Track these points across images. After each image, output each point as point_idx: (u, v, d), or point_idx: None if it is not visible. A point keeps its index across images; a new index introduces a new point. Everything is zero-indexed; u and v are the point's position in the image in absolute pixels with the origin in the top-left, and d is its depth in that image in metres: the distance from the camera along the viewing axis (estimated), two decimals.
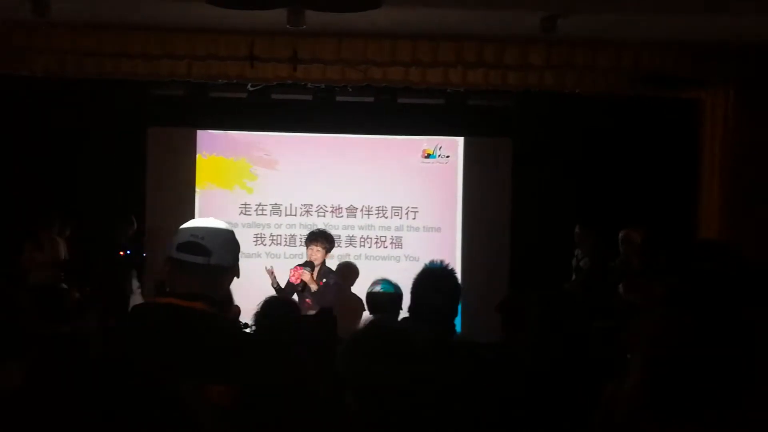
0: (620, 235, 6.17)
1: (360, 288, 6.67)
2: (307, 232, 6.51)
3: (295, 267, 5.87)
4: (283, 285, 5.99)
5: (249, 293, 6.86)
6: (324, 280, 5.82)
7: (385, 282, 4.14)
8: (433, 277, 3.20)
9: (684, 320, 1.19)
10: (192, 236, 2.37)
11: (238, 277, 2.49)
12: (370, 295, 4.09)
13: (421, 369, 1.92)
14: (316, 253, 5.82)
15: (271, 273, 6.00)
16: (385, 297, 3.97)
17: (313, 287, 5.72)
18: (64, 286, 3.81)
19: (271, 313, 3.32)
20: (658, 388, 1.18)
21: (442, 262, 3.34)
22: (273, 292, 6.14)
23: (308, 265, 5.79)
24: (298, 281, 5.74)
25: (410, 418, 1.72)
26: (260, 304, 3.57)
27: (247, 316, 5.48)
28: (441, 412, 2.05)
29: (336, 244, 9.14)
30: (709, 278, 1.28)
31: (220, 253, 2.37)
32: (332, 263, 6.21)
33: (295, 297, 5.65)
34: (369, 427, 1.61)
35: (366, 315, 5.29)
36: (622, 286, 5.95)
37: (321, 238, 5.90)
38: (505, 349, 3.63)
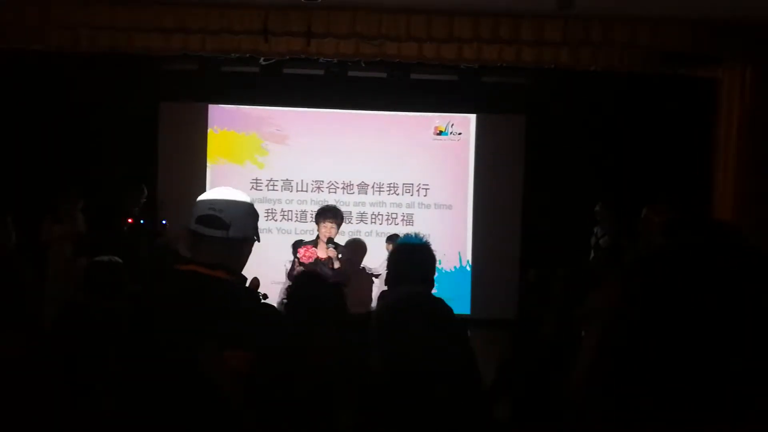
0: (642, 213, 6.03)
1: (367, 264, 6.63)
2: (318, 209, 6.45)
3: (306, 246, 5.78)
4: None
5: (259, 269, 6.91)
6: (340, 256, 5.80)
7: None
8: (409, 248, 3.24)
9: (646, 289, 1.07)
10: (210, 209, 2.39)
11: (258, 241, 2.51)
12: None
13: (446, 338, 1.95)
14: (331, 229, 5.77)
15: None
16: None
17: (337, 264, 5.72)
18: (118, 260, 3.78)
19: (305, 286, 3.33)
20: (617, 366, 1.07)
21: (416, 234, 3.38)
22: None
23: (330, 242, 5.76)
24: (311, 260, 5.69)
25: (430, 380, 1.76)
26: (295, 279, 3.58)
27: (262, 289, 5.45)
28: (460, 377, 2.08)
29: (347, 221, 9.20)
30: (681, 250, 1.13)
31: (239, 226, 2.41)
32: (341, 239, 6.17)
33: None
34: (393, 385, 1.64)
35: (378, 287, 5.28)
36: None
37: (334, 214, 5.86)
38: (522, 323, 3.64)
